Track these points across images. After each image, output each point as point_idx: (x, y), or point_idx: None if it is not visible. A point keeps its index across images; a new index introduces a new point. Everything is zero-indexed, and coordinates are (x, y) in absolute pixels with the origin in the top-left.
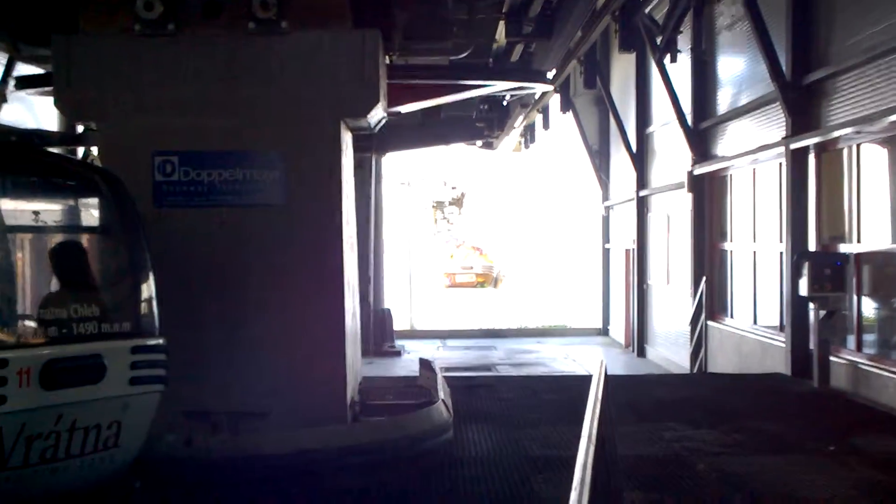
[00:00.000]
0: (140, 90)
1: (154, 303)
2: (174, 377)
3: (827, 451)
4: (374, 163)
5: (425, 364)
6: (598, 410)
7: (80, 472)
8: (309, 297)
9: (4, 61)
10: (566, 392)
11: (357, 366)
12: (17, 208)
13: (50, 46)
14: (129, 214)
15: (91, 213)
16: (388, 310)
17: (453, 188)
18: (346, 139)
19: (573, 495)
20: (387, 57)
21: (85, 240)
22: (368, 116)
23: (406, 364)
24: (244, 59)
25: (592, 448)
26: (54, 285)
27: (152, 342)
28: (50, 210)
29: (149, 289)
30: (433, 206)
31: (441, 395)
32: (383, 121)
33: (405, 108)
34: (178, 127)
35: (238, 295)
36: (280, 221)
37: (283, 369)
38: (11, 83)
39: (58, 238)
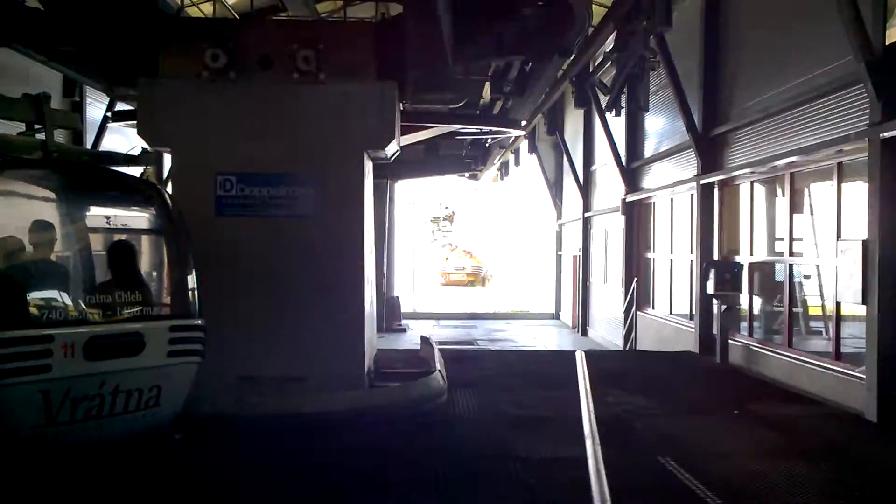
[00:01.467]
0: (206, 123)
1: (194, 291)
2: (231, 350)
3: (732, 414)
4: (388, 187)
5: (425, 340)
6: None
7: (124, 427)
8: (337, 288)
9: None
10: (533, 364)
11: (373, 341)
12: (89, 214)
13: (136, 87)
14: (174, 220)
15: (144, 218)
16: (397, 297)
17: (447, 207)
18: (368, 166)
19: None
20: (400, 104)
21: (138, 240)
22: (386, 149)
23: (409, 338)
24: (289, 102)
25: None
26: (107, 276)
27: (189, 323)
28: (113, 215)
29: (189, 280)
30: (432, 220)
31: (437, 366)
32: (397, 153)
33: (412, 139)
34: (236, 153)
35: (280, 286)
36: (315, 229)
37: (316, 344)
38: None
39: (117, 238)
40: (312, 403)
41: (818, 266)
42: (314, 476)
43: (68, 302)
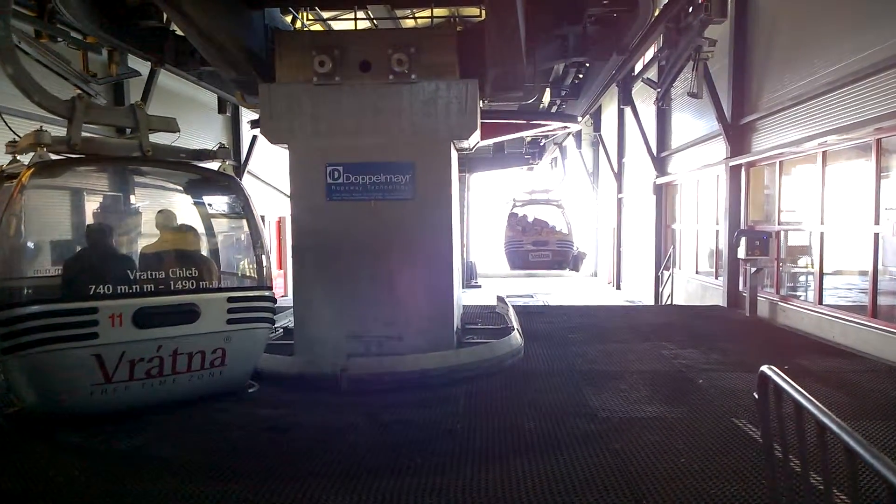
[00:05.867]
0: (317, 121)
1: (264, 266)
2: (341, 312)
3: (783, 368)
4: (467, 178)
5: (500, 298)
6: None
7: (190, 384)
8: (430, 259)
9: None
10: (590, 317)
11: (460, 302)
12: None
13: (258, 94)
14: (246, 205)
15: (225, 204)
16: (473, 262)
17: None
18: (454, 155)
19: None
20: (480, 101)
21: (220, 223)
22: (469, 140)
23: (484, 293)
24: (387, 100)
25: None
26: (168, 255)
27: (248, 294)
28: (201, 201)
29: (259, 256)
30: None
31: (514, 323)
32: (477, 144)
33: (491, 141)
34: (342, 146)
35: (382, 259)
36: (410, 210)
37: (412, 307)
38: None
39: (179, 223)
40: (407, 363)
41: (846, 234)
42: (410, 428)
43: (121, 278)
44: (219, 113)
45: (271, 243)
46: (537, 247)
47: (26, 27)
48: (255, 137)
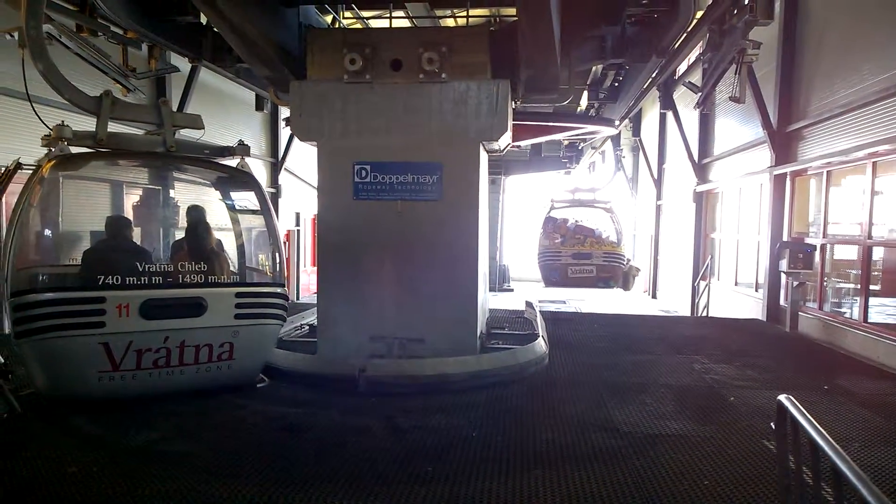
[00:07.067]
0: (346, 120)
1: (277, 262)
2: (364, 313)
3: (822, 389)
4: (502, 181)
5: (529, 304)
6: None
7: (198, 376)
8: (455, 261)
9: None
10: (620, 326)
11: (486, 306)
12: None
13: (289, 91)
14: (263, 202)
15: (244, 200)
16: (506, 265)
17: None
18: (483, 156)
19: None
20: (512, 102)
21: (234, 218)
22: (499, 141)
23: (515, 297)
24: (416, 99)
25: None
26: (181, 250)
27: (257, 290)
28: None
29: (273, 253)
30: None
31: (540, 331)
32: (508, 146)
33: (524, 143)
34: (371, 145)
35: (407, 259)
36: (437, 210)
37: (435, 309)
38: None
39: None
40: (428, 367)
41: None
42: (425, 434)
43: (132, 270)
44: (256, 110)
45: (307, 240)
46: (578, 260)
47: (68, 21)
48: (292, 135)
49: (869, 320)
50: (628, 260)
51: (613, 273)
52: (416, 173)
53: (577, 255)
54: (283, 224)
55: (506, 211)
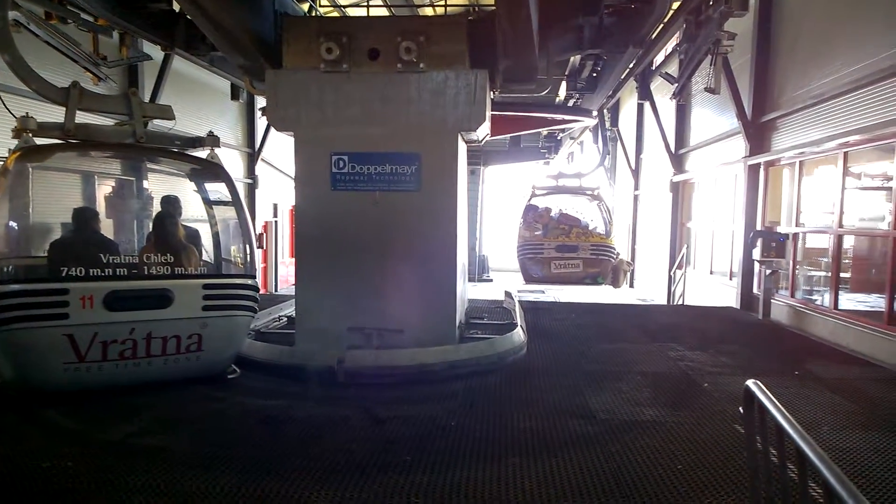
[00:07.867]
0: (323, 109)
1: (248, 254)
2: (342, 304)
3: (793, 374)
4: (481, 171)
5: (508, 294)
6: None
7: (166, 367)
8: (434, 252)
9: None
10: (597, 315)
11: (465, 296)
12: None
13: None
14: (234, 194)
15: (210, 192)
16: (485, 255)
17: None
18: (462, 147)
19: None
20: (491, 92)
21: (207, 210)
22: (477, 131)
23: (494, 287)
24: (394, 89)
25: None
26: (147, 241)
27: (226, 282)
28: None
29: (244, 244)
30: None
31: (518, 320)
32: (486, 136)
33: (503, 136)
34: (348, 135)
35: (386, 250)
36: (415, 201)
37: (414, 300)
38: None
39: (157, 210)
40: (407, 358)
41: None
42: (404, 423)
43: (96, 261)
44: (232, 99)
45: (285, 231)
46: (563, 253)
47: (35, 8)
48: (269, 125)
49: (840, 307)
50: (618, 253)
51: (602, 268)
52: (394, 164)
53: (561, 247)
54: (261, 215)
55: (485, 201)
